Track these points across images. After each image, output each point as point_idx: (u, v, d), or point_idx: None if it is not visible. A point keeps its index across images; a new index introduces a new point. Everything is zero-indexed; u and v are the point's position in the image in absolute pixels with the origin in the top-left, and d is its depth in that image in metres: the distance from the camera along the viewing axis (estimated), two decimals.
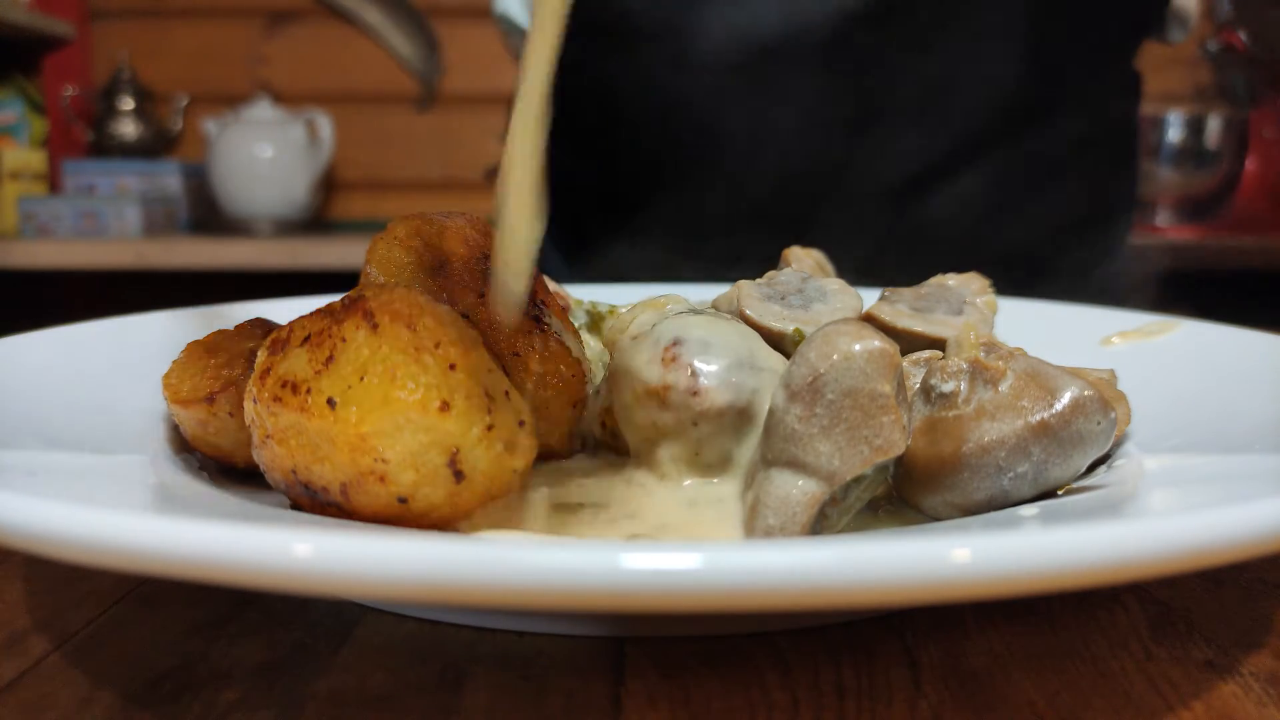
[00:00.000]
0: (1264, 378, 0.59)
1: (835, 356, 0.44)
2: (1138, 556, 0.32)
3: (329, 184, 2.91)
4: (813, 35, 1.00)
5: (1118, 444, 0.54)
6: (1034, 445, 0.46)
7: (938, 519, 0.48)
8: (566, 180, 0.94)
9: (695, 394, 0.49)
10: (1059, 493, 0.48)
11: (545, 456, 0.56)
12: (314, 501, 0.45)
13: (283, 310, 0.61)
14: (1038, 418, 0.46)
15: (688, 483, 0.51)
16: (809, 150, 1.06)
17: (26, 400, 0.56)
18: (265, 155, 2.67)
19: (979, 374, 0.48)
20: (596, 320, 0.69)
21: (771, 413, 0.46)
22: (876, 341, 0.44)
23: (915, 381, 0.53)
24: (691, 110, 1.07)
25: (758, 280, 0.62)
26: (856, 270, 0.72)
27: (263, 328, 0.59)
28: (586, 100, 1.12)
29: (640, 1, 1.04)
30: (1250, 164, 2.43)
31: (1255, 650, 0.44)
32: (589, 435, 0.58)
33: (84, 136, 2.92)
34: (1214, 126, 2.29)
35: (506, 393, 0.45)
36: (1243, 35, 2.38)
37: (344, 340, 0.43)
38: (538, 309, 0.56)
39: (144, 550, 0.32)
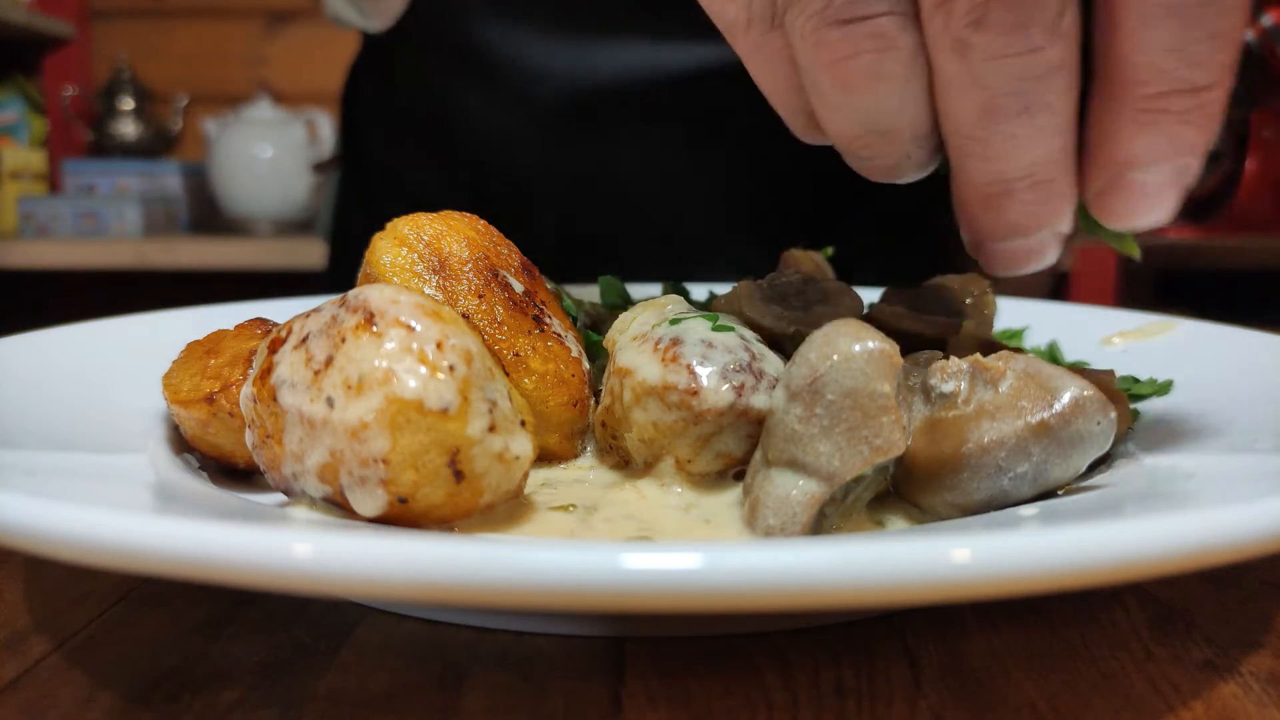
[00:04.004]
0: (1264, 378, 0.59)
1: (835, 357, 0.44)
2: (1138, 556, 0.32)
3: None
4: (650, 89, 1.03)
5: (1118, 444, 0.54)
6: (1034, 445, 0.46)
7: (938, 518, 0.48)
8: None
9: (695, 394, 0.49)
10: (1059, 493, 0.48)
11: (547, 458, 0.56)
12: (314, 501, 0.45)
13: (283, 310, 0.61)
14: (1038, 418, 0.46)
15: (687, 484, 0.51)
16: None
17: (26, 400, 0.56)
18: (265, 155, 2.67)
19: (979, 374, 0.48)
20: (597, 322, 0.69)
21: (772, 413, 0.46)
22: (876, 342, 0.44)
23: (915, 381, 0.52)
24: (525, 146, 1.09)
25: (759, 281, 0.62)
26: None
27: (263, 328, 0.59)
28: (428, 113, 1.13)
29: (496, 37, 1.06)
30: (1250, 164, 2.42)
31: (1255, 650, 0.44)
32: (591, 438, 0.58)
33: (84, 136, 2.93)
34: None
35: (507, 393, 0.45)
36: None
37: (344, 340, 0.43)
38: (538, 309, 0.56)
39: (144, 550, 0.32)
